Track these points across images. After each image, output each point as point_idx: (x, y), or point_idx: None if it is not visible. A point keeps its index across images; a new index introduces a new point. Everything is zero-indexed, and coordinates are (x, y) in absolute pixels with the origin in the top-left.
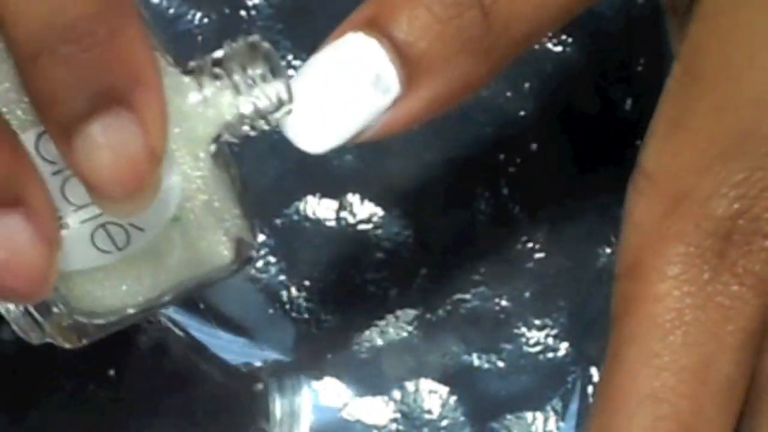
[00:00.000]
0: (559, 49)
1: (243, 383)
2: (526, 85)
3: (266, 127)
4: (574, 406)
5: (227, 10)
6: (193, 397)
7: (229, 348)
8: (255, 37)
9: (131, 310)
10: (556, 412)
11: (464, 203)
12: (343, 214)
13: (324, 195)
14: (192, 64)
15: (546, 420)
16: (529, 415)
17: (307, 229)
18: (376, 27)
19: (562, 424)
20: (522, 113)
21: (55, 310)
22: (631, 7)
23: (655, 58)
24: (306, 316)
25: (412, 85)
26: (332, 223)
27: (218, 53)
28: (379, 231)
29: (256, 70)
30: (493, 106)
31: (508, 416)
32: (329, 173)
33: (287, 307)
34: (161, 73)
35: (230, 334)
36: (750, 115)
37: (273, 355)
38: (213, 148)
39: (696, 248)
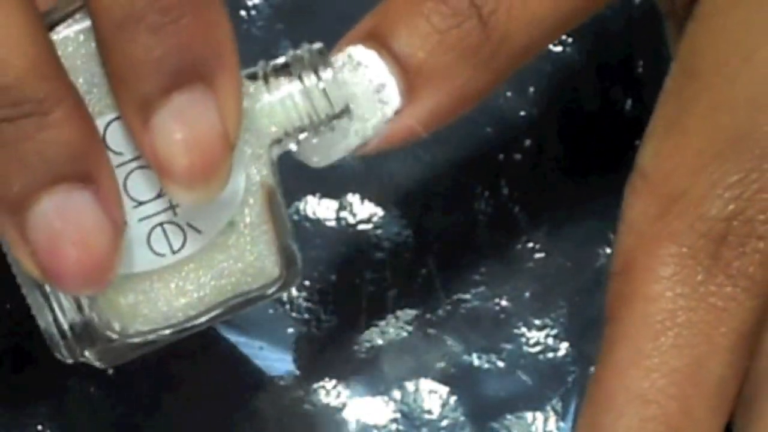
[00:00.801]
0: (559, 49)
1: (242, 383)
2: (526, 85)
3: (328, 134)
4: (573, 406)
5: (227, 10)
6: (193, 397)
7: (229, 348)
8: (320, 44)
9: (170, 329)
10: (556, 412)
11: (464, 203)
12: (343, 214)
13: (324, 195)
14: (252, 70)
15: (546, 420)
16: (529, 415)
17: (307, 229)
18: (375, 39)
19: (562, 424)
20: (522, 113)
21: (95, 329)
22: (631, 7)
23: (655, 58)
24: (306, 316)
25: (412, 96)
26: (332, 223)
27: (280, 59)
28: (379, 231)
29: (327, 74)
30: (493, 106)
31: (508, 416)
32: (329, 173)
33: (287, 307)
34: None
35: (230, 334)
36: (745, 115)
37: (273, 355)
38: (275, 152)
39: (689, 249)
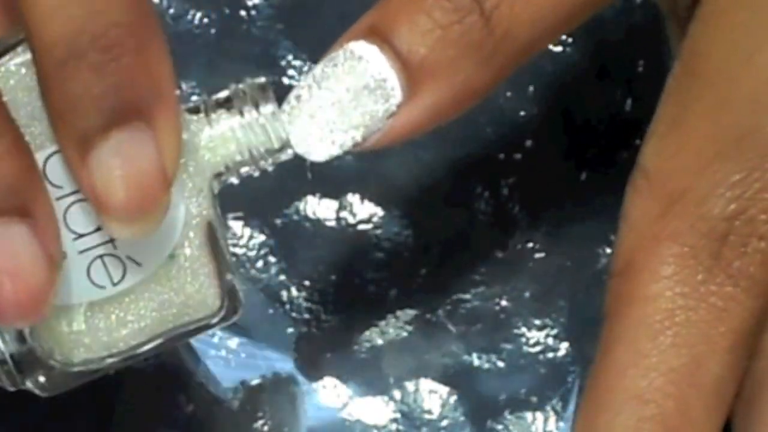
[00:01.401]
0: (559, 49)
1: (242, 383)
2: (526, 85)
3: (269, 168)
4: (573, 406)
5: (227, 10)
6: (192, 397)
7: (229, 348)
8: (262, 79)
9: (112, 359)
10: (556, 412)
11: (464, 203)
12: (343, 214)
13: (324, 195)
14: (194, 103)
15: (546, 420)
16: (529, 415)
17: (307, 229)
18: (376, 34)
19: (562, 424)
20: (522, 113)
21: (36, 358)
22: (631, 7)
23: (656, 58)
24: (306, 316)
25: (413, 92)
26: (332, 223)
27: (222, 94)
28: (379, 231)
29: (268, 109)
30: (493, 106)
31: (508, 416)
32: (329, 173)
33: (287, 307)
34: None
35: (230, 334)
36: (748, 115)
37: (272, 355)
38: (215, 186)
39: (690, 249)
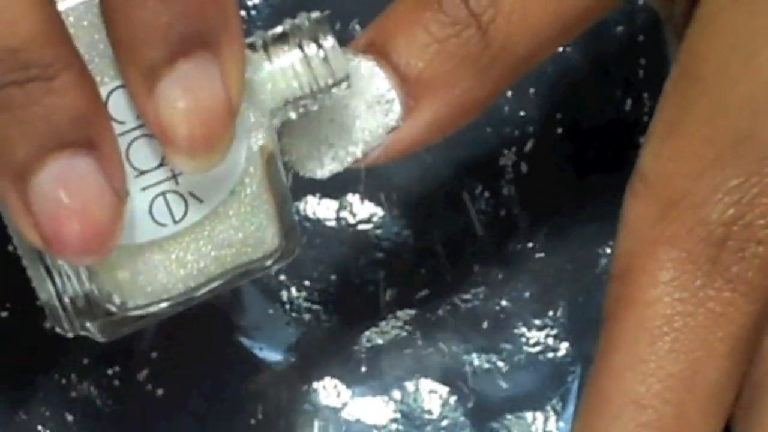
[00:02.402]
0: (559, 50)
1: (242, 383)
2: (526, 85)
3: (327, 102)
4: (573, 406)
5: None
6: (192, 397)
7: (229, 348)
8: (319, 13)
9: (169, 302)
10: (556, 412)
11: (464, 204)
12: (343, 214)
13: (324, 195)
14: (252, 39)
15: (546, 420)
16: (529, 415)
17: (307, 229)
18: (374, 49)
19: (562, 424)
20: (522, 113)
21: (96, 301)
22: (631, 7)
23: (656, 59)
24: (306, 316)
25: (412, 106)
26: (332, 223)
27: (279, 29)
28: (379, 231)
29: (328, 43)
30: (494, 107)
31: (508, 416)
32: None
33: (287, 307)
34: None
35: (230, 334)
36: (746, 118)
37: (272, 355)
38: (277, 122)
39: (689, 254)
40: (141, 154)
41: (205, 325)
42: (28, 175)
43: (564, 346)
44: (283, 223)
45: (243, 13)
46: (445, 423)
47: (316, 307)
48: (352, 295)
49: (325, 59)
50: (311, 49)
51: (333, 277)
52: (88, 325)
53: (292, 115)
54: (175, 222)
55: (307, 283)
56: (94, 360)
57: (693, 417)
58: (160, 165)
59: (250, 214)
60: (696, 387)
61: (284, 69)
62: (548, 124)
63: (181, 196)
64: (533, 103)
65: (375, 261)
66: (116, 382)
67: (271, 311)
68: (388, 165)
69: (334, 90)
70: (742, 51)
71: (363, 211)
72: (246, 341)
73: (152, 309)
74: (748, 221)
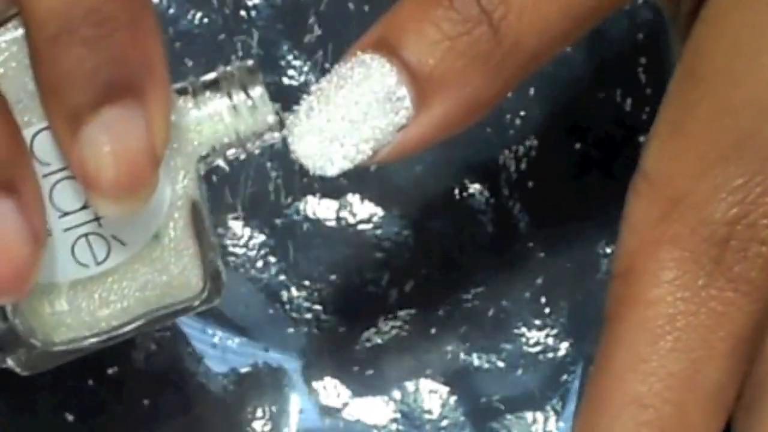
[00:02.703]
0: None
1: (242, 383)
2: (526, 85)
3: (255, 150)
4: (573, 406)
5: (227, 10)
6: (192, 397)
7: (229, 348)
8: (251, 62)
9: (93, 339)
10: (556, 412)
11: (464, 204)
12: (343, 214)
13: (324, 195)
14: (179, 85)
15: (546, 420)
16: (529, 415)
17: (307, 229)
18: (384, 46)
19: (562, 424)
20: (522, 113)
21: (18, 336)
22: (632, 7)
23: (657, 58)
24: (306, 316)
25: (422, 103)
26: (332, 223)
27: (210, 75)
28: (379, 231)
29: (256, 92)
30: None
31: (508, 416)
32: None
33: (287, 307)
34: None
35: (230, 334)
36: (750, 118)
37: (273, 355)
38: (202, 168)
39: (691, 253)
40: (65, 195)
41: (205, 325)
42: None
43: (564, 346)
44: (206, 267)
45: (243, 13)
46: (445, 423)
47: (316, 307)
48: (352, 295)
49: (253, 108)
50: (239, 97)
51: (333, 277)
52: (9, 359)
53: (219, 162)
54: (98, 263)
55: (307, 283)
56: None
57: (694, 416)
58: (84, 207)
59: (173, 257)
60: (697, 386)
61: (212, 116)
62: (548, 124)
63: (104, 238)
64: (533, 103)
65: (375, 261)
66: (116, 382)
67: (271, 311)
68: (388, 165)
69: (264, 138)
70: (746, 51)
71: (363, 211)
72: (246, 341)
73: (74, 345)
74: (751, 221)
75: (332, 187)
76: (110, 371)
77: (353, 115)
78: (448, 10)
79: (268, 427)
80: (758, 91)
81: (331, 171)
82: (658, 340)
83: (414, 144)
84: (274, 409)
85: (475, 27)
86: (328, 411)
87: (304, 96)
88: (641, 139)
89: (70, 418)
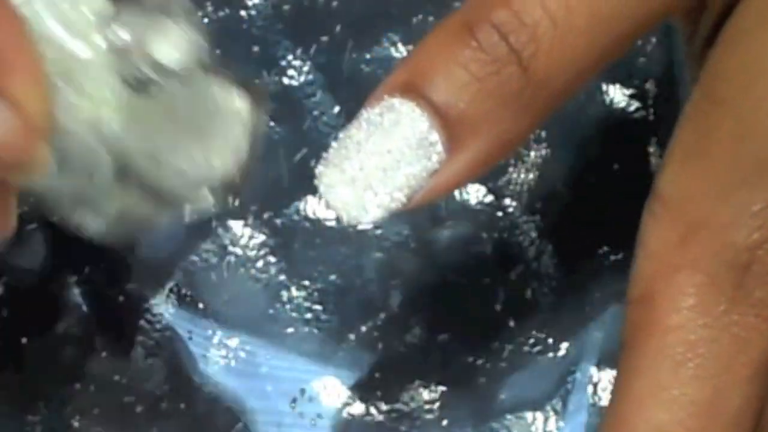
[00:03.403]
0: None
1: (242, 383)
2: None
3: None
4: (573, 406)
5: (227, 10)
6: (192, 397)
7: (229, 348)
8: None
9: None
10: (556, 412)
11: (464, 203)
12: None
13: None
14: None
15: (546, 420)
16: (529, 415)
17: (307, 229)
18: (412, 90)
19: (562, 423)
20: None
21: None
22: None
23: (660, 60)
24: (306, 316)
25: (455, 147)
26: (332, 223)
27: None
28: (379, 231)
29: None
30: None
31: (508, 416)
32: None
33: (287, 307)
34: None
35: (230, 334)
36: None
37: (273, 355)
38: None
39: (712, 278)
40: None
41: (205, 325)
42: None
43: (564, 346)
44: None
45: (243, 13)
46: (445, 423)
47: (316, 307)
48: (352, 295)
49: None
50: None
51: (333, 277)
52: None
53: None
54: None
55: (307, 283)
56: (95, 359)
57: None
58: None
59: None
60: (719, 413)
61: (116, 48)
62: (549, 123)
63: None
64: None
65: (375, 261)
66: (117, 382)
67: (271, 311)
68: None
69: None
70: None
71: None
72: (246, 341)
73: None
74: None
75: None
76: (116, 377)
77: (386, 163)
78: (476, 51)
79: (268, 427)
80: None
81: (366, 219)
82: (680, 367)
83: (446, 187)
84: (273, 409)
85: (504, 66)
86: (328, 411)
87: (333, 143)
88: (643, 139)
89: (70, 416)
